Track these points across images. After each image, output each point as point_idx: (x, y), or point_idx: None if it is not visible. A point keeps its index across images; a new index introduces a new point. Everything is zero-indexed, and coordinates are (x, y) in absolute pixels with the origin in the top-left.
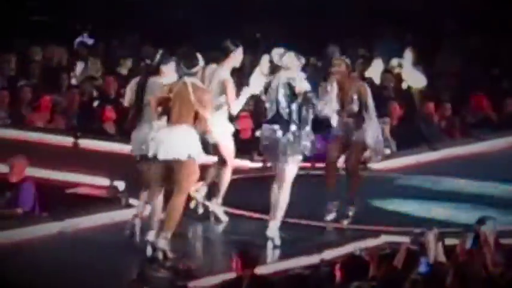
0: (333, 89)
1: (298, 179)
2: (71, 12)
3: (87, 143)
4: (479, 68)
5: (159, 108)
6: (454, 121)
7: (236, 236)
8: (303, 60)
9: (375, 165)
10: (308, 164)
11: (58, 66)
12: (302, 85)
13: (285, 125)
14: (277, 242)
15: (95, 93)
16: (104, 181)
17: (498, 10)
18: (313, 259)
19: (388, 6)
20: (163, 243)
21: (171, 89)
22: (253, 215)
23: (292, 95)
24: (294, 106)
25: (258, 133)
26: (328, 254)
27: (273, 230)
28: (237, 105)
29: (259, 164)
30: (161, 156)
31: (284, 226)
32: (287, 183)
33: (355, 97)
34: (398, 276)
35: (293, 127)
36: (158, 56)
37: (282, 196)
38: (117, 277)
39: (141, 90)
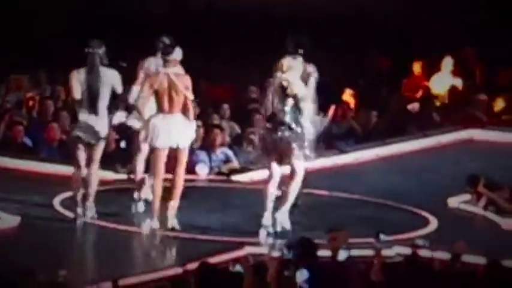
0: None
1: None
2: None
3: None
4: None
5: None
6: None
7: (99, 246)
8: (311, 68)
9: (237, 177)
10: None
11: None
12: (294, 88)
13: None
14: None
15: None
16: None
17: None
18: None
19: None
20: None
21: (153, 82)
22: (117, 227)
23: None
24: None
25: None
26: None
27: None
28: None
29: (124, 176)
30: (165, 145)
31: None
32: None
33: None
34: None
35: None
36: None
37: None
38: None
39: (94, 81)
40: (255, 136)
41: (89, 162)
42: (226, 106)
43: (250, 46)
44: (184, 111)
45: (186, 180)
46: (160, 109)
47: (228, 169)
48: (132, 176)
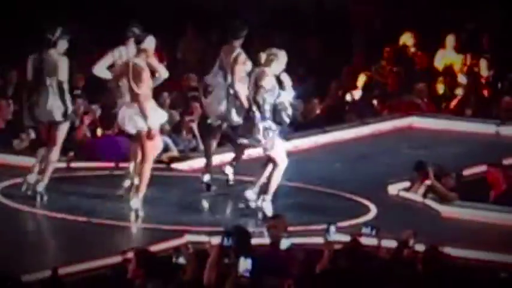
0: None
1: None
2: None
3: None
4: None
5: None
6: None
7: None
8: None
9: (179, 166)
10: (112, 164)
11: None
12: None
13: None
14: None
15: None
16: None
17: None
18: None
19: None
20: (137, 204)
21: (121, 71)
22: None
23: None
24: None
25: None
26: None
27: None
28: None
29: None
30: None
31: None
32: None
33: None
34: None
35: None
36: (58, 31)
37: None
38: None
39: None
40: (194, 124)
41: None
42: (166, 94)
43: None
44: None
45: (125, 169)
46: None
47: (168, 157)
48: None
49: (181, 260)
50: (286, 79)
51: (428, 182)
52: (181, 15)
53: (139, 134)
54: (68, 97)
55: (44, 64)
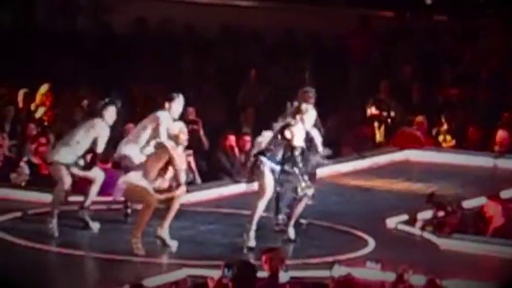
0: None
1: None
2: None
3: None
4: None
5: None
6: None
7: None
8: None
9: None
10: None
11: None
12: None
13: None
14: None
15: None
16: None
17: None
18: None
19: None
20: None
21: None
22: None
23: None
24: None
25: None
26: None
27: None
28: None
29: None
30: None
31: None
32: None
33: None
34: None
35: None
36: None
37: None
38: None
39: None
40: (191, 158)
41: None
42: None
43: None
44: None
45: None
46: None
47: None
48: None
49: None
50: None
51: (441, 214)
52: None
53: None
54: None
55: None
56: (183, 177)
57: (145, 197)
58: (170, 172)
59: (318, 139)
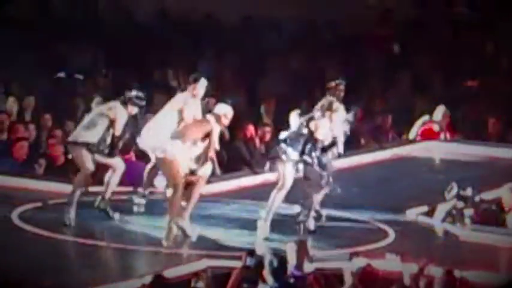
0: None
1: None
2: None
3: None
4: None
5: None
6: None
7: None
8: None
9: None
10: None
11: None
12: None
13: None
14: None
15: None
16: None
17: None
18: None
19: None
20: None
21: None
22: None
23: None
24: None
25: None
26: None
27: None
28: None
29: None
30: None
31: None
32: None
33: None
34: None
35: None
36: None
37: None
38: None
39: None
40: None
41: None
42: None
43: None
44: None
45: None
46: None
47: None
48: None
49: (200, 285)
50: None
51: (461, 205)
52: None
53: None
54: None
55: None
56: (213, 153)
57: (175, 176)
58: (200, 148)
59: (340, 139)
